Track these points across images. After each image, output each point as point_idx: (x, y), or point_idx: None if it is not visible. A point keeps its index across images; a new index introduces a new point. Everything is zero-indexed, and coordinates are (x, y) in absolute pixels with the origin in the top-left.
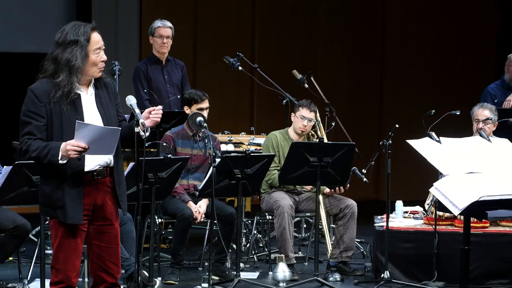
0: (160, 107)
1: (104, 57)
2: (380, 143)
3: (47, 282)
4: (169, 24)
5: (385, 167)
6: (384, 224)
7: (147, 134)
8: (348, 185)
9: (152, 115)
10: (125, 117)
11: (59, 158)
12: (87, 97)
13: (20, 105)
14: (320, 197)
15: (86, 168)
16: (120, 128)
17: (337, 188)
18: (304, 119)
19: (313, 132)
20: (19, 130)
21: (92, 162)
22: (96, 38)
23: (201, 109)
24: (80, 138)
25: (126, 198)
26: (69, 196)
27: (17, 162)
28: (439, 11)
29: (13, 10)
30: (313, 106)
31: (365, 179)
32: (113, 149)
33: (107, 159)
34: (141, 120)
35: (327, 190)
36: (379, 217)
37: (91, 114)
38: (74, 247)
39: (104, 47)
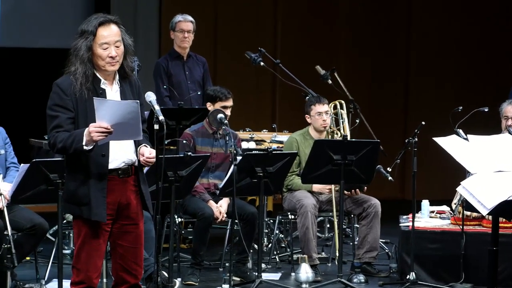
0: (153, 154)
1: (113, 53)
2: (406, 141)
3: (65, 283)
4: (190, 18)
5: (410, 166)
6: (410, 224)
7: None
8: (366, 187)
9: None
10: (145, 118)
11: (84, 144)
12: (112, 93)
13: (37, 102)
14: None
15: (111, 166)
16: (138, 101)
17: (352, 190)
18: (321, 115)
19: (336, 130)
20: (46, 126)
21: (117, 160)
22: (104, 33)
23: (225, 107)
24: (101, 117)
25: (150, 197)
26: (94, 193)
27: (34, 160)
28: (462, 8)
29: (31, 5)
30: (323, 98)
31: (390, 178)
32: (138, 131)
33: (132, 157)
34: (160, 117)
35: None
36: (404, 217)
37: None
38: (97, 247)
39: (118, 44)
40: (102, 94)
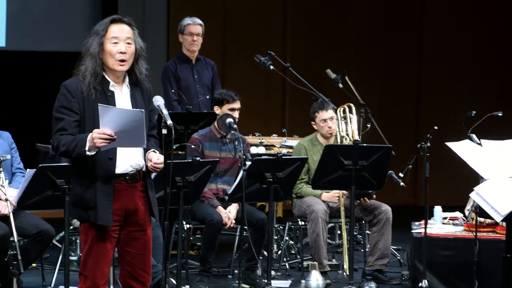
0: (161, 159)
1: (122, 49)
2: (418, 146)
3: None
4: (199, 21)
5: (423, 171)
6: (422, 230)
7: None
8: (374, 195)
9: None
10: (155, 123)
11: (87, 149)
12: (122, 95)
13: (44, 106)
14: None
15: (119, 170)
16: (143, 110)
17: (361, 199)
18: (326, 122)
19: (345, 135)
20: (51, 127)
21: (125, 164)
22: (115, 29)
23: (233, 110)
24: (105, 124)
25: (156, 203)
26: (100, 197)
27: (40, 165)
28: (476, 8)
29: (37, 8)
30: (327, 104)
31: (402, 184)
32: (142, 140)
33: (140, 162)
34: (169, 122)
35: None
36: (416, 223)
37: None
38: (104, 253)
39: (129, 41)
40: (111, 96)
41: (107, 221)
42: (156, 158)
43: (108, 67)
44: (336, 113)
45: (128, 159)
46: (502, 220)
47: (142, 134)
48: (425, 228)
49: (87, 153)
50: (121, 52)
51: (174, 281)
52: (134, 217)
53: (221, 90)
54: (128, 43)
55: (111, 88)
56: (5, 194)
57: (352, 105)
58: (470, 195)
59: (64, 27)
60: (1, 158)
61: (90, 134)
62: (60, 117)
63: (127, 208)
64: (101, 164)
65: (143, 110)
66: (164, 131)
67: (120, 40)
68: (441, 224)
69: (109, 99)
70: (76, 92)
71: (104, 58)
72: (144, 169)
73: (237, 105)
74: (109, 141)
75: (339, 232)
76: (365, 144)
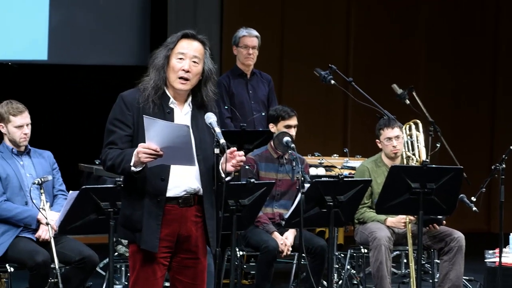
0: (241, 153)
1: (185, 67)
2: (492, 168)
3: None
4: (256, 33)
5: (497, 195)
6: (497, 259)
7: (228, 178)
8: (444, 221)
9: (236, 159)
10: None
11: (132, 164)
12: (181, 115)
13: (87, 123)
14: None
15: (171, 194)
16: (189, 125)
17: (430, 225)
18: (391, 140)
19: (411, 155)
20: (103, 139)
21: (177, 187)
22: (183, 44)
23: (289, 127)
24: (150, 139)
25: (215, 234)
26: (148, 219)
27: (84, 187)
28: None
29: (82, 19)
30: (394, 121)
31: (474, 209)
32: (191, 158)
33: (195, 186)
34: (221, 140)
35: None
36: (490, 251)
37: None
38: (153, 282)
39: (196, 60)
40: (169, 113)
41: (152, 246)
42: (235, 152)
43: (170, 84)
44: (402, 131)
45: (182, 183)
46: None
47: (190, 151)
48: (500, 257)
49: (132, 168)
50: (184, 70)
51: None
52: (186, 243)
53: (276, 106)
54: (195, 62)
55: (170, 105)
56: (46, 218)
57: (418, 121)
58: None
59: (109, 40)
60: (42, 179)
61: (136, 148)
62: (112, 130)
63: (179, 234)
64: (152, 184)
65: (188, 125)
66: (217, 151)
67: (186, 57)
68: None
69: (167, 116)
70: (132, 104)
71: (167, 73)
72: (200, 192)
73: (293, 121)
74: (154, 156)
75: (405, 260)
76: (434, 165)
